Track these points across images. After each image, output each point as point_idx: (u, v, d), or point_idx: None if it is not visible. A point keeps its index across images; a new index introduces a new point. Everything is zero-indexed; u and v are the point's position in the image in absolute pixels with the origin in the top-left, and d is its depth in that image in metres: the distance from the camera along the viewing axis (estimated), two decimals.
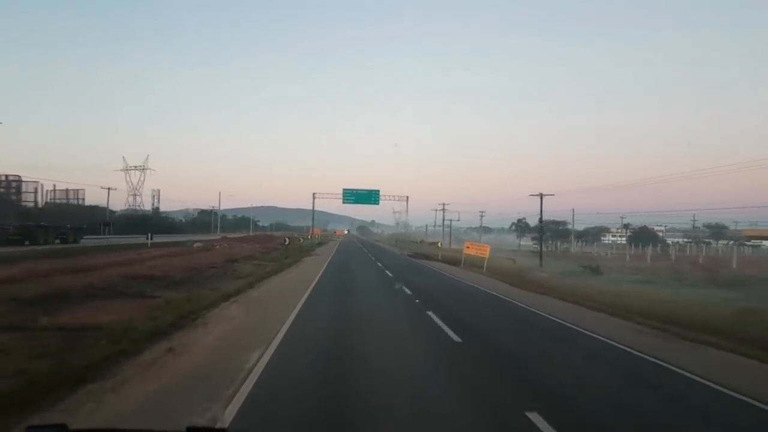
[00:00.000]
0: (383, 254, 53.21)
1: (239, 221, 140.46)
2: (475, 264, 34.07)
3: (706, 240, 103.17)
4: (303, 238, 75.87)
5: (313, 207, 75.25)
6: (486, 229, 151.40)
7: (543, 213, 48.53)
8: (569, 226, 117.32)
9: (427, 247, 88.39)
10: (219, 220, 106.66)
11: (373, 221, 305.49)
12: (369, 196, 73.28)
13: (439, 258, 43.00)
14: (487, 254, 33.08)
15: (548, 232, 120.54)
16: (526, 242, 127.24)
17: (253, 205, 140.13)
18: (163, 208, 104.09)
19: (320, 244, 74.83)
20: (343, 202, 73.05)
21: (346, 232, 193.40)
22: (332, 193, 74.55)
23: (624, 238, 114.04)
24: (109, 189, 68.03)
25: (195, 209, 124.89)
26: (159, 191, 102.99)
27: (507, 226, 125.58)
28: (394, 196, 76.45)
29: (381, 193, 73.73)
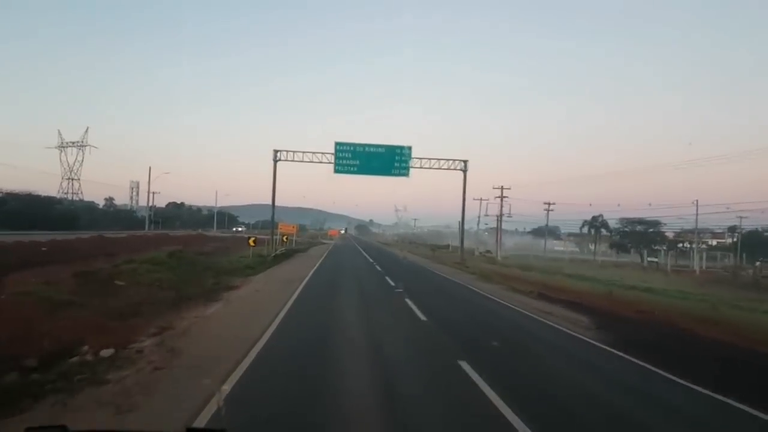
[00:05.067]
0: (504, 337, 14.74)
1: (213, 217, 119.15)
2: None
3: None
4: (287, 239, 40.39)
5: (275, 174, 37.52)
6: (504, 231, 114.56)
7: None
8: (663, 228, 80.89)
9: (486, 262, 50.88)
10: (150, 214, 74.05)
11: (371, 220, 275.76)
12: (389, 159, 35.76)
13: None
14: None
15: (634, 236, 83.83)
16: (565, 245, 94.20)
17: (250, 203, 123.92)
18: (142, 202, 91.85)
19: (284, 255, 36.82)
20: (336, 172, 35.78)
21: (342, 231, 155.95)
22: (314, 152, 37.17)
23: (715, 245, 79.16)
24: None
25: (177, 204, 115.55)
26: (138, 183, 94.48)
27: (514, 227, 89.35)
28: (442, 159, 38.57)
29: (412, 155, 36.30)
